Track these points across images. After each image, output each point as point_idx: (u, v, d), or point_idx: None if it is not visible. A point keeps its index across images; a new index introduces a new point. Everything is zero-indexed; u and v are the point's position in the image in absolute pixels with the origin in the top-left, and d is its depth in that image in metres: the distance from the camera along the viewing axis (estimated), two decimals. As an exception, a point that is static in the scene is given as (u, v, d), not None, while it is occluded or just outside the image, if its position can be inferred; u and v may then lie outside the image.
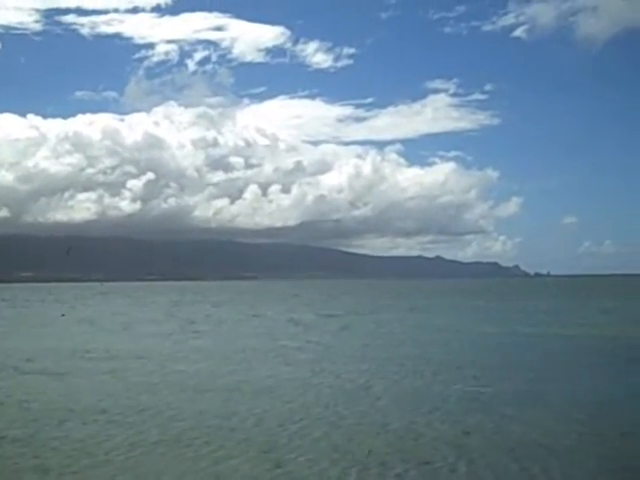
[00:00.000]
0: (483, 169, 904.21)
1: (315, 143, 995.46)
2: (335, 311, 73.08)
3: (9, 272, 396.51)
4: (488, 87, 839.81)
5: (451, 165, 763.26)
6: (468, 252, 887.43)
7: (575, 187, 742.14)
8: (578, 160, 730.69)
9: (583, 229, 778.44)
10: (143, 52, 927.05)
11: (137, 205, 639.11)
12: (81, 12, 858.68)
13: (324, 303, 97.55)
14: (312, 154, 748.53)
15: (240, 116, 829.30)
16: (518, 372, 27.86)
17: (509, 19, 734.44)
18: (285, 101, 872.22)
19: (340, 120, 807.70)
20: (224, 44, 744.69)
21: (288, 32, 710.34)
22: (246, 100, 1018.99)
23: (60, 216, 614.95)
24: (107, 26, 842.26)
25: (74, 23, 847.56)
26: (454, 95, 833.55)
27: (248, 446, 16.19)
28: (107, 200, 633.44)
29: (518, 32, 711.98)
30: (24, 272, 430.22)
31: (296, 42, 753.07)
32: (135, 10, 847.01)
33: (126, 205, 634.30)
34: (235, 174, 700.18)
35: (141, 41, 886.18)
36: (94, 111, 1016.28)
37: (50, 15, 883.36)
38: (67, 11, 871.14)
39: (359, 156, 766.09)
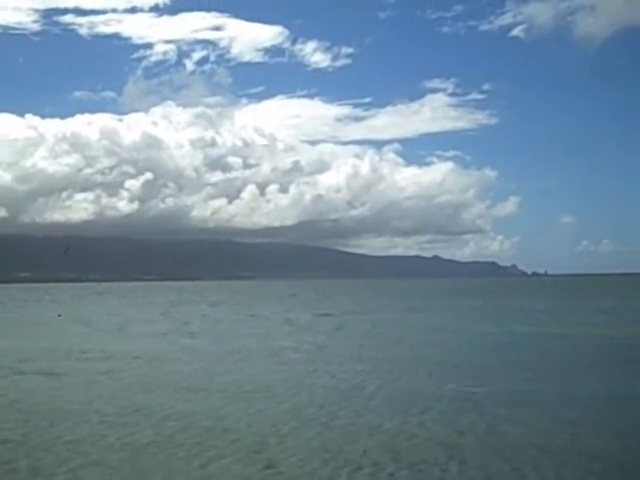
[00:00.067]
0: (481, 169, 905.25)
1: (313, 143, 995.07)
2: (332, 311, 73.06)
3: (6, 272, 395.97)
4: (486, 86, 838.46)
5: (449, 165, 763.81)
6: (466, 252, 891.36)
7: (573, 186, 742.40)
8: (576, 159, 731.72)
9: (581, 228, 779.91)
10: (141, 52, 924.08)
11: (135, 205, 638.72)
12: (79, 12, 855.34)
13: (321, 303, 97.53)
14: (310, 154, 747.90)
15: (238, 116, 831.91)
16: (514, 372, 27.84)
17: (507, 18, 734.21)
18: (283, 101, 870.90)
19: (338, 120, 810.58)
20: (222, 44, 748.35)
21: (286, 32, 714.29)
22: (244, 100, 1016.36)
23: (58, 216, 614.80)
24: (105, 26, 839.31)
25: (72, 23, 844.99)
26: (452, 95, 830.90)
27: (240, 446, 16.18)
28: (105, 200, 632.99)
29: (516, 31, 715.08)
30: (22, 272, 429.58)
31: (294, 42, 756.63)
32: (133, 10, 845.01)
33: (124, 205, 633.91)
34: (233, 174, 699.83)
35: (139, 41, 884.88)
36: (92, 111, 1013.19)
37: (48, 15, 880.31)
38: (65, 11, 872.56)
39: (357, 156, 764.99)
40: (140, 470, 14.46)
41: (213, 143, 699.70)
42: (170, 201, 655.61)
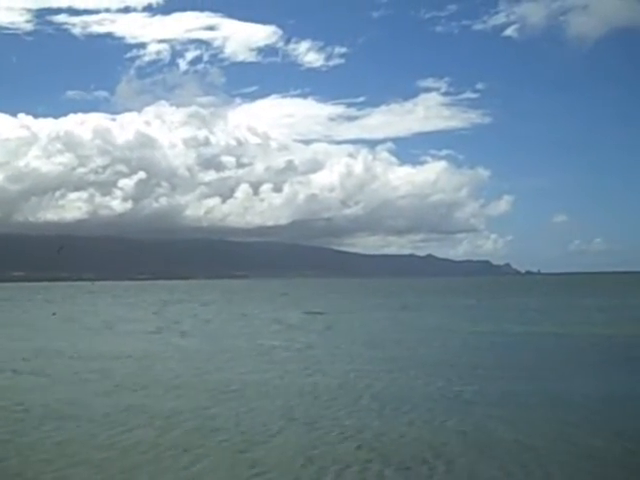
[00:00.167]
0: (474, 168, 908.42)
1: (307, 142, 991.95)
2: (324, 310, 72.85)
3: (0, 271, 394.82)
4: (479, 86, 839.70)
5: (442, 164, 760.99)
6: (459, 250, 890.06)
7: (566, 185, 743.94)
8: (569, 159, 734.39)
9: (574, 227, 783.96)
10: (134, 52, 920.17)
11: (128, 204, 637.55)
12: (72, 12, 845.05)
13: (314, 302, 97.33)
14: (304, 153, 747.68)
15: (232, 115, 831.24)
16: (507, 371, 27.77)
17: (500, 18, 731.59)
18: (277, 100, 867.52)
19: (332, 119, 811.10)
20: (216, 43, 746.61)
21: (280, 31, 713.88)
22: (238, 99, 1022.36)
23: (51, 215, 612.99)
24: (98, 26, 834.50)
25: (65, 23, 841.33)
26: (445, 94, 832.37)
27: (227, 445, 16.14)
28: (98, 199, 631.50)
29: (509, 31, 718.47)
30: (15, 272, 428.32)
31: (288, 41, 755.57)
32: (127, 10, 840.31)
33: (117, 204, 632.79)
34: (226, 173, 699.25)
35: (132, 41, 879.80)
36: (85, 111, 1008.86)
37: (41, 15, 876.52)
38: (58, 11, 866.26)
39: (351, 155, 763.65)
40: (127, 469, 14.41)
41: (206, 142, 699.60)
42: (163, 200, 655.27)
